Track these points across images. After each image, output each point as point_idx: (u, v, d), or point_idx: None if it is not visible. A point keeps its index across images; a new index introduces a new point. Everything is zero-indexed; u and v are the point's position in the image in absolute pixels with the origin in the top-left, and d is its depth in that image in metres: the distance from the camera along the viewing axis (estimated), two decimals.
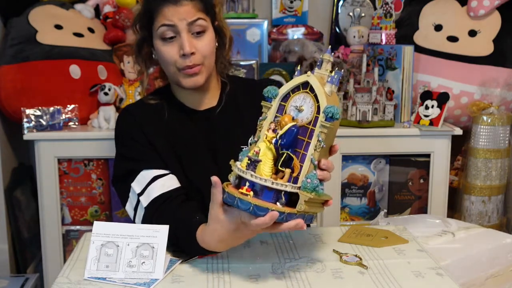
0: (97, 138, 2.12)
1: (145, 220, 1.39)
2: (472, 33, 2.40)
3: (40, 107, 2.12)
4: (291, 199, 1.14)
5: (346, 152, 2.21)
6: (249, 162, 1.13)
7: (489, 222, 2.33)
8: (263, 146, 1.15)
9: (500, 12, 2.41)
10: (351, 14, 2.65)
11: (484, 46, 2.37)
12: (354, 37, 2.48)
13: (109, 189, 2.22)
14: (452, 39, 2.41)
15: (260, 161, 1.13)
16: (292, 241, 1.40)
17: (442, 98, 2.22)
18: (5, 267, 2.26)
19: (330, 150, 1.21)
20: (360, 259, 1.28)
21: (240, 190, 1.13)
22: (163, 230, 1.22)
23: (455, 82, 2.32)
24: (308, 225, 1.61)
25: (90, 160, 2.19)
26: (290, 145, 1.14)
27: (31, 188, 2.45)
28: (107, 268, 1.19)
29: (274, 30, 2.58)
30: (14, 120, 2.21)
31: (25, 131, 2.11)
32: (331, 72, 1.17)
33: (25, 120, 2.11)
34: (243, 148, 1.37)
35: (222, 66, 1.57)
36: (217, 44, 1.51)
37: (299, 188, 1.12)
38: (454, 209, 2.44)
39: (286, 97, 1.20)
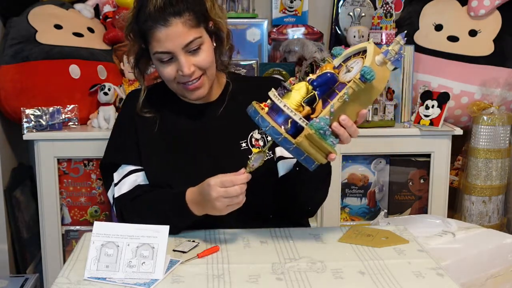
0: (97, 138, 2.11)
1: (116, 208, 1.51)
2: (473, 33, 2.40)
3: (39, 107, 2.11)
4: None
5: (346, 152, 2.21)
6: (280, 88, 1.23)
7: (490, 222, 2.33)
8: (301, 83, 1.24)
9: (501, 12, 2.40)
10: (351, 14, 2.65)
11: (484, 46, 2.37)
12: (354, 37, 2.48)
13: None
14: (453, 39, 2.41)
15: (290, 90, 1.22)
16: (292, 241, 1.39)
17: (443, 98, 2.21)
18: (5, 267, 2.26)
19: (358, 115, 1.26)
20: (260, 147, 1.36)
21: (261, 104, 1.24)
22: (163, 230, 1.22)
23: (455, 82, 2.32)
24: (307, 225, 1.62)
25: (89, 160, 2.19)
26: (319, 86, 1.22)
27: (31, 188, 2.44)
28: (107, 268, 1.19)
29: (274, 30, 2.57)
30: (13, 120, 2.21)
31: (25, 131, 2.11)
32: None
33: (24, 120, 2.11)
34: (241, 142, 1.47)
35: (225, 61, 1.54)
36: (214, 44, 1.47)
37: (306, 124, 1.18)
38: (455, 209, 2.43)
39: (348, 59, 1.29)
